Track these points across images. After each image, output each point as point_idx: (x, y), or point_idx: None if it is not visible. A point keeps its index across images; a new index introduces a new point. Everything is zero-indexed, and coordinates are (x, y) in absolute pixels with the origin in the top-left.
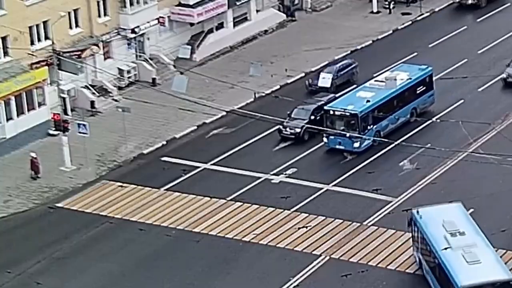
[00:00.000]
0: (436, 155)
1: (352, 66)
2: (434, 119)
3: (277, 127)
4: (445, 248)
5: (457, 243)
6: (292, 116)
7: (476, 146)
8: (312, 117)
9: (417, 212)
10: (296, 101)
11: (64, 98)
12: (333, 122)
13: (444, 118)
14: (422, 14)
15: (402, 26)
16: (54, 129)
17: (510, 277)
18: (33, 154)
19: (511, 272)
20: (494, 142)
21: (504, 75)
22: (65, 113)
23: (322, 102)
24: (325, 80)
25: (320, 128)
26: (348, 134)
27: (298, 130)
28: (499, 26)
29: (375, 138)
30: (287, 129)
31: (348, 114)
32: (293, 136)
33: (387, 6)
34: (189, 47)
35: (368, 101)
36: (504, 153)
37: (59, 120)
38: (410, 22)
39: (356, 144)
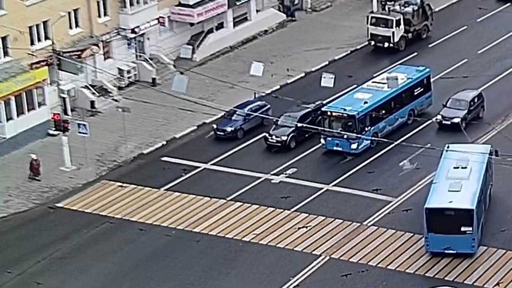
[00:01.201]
0: (436, 155)
1: (264, 109)
2: (434, 119)
3: (262, 134)
4: (435, 183)
5: (454, 174)
6: (279, 123)
7: None
8: (299, 125)
9: (448, 146)
10: (296, 101)
11: (64, 98)
12: (330, 123)
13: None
14: None
15: None
16: (54, 129)
17: (471, 207)
18: (34, 156)
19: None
20: (494, 142)
21: (438, 117)
22: (65, 113)
23: (309, 109)
24: (230, 126)
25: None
26: (345, 136)
27: (284, 138)
28: (499, 26)
29: (373, 139)
30: (273, 137)
31: (345, 115)
32: (279, 144)
33: (383, 7)
34: (190, 47)
35: (365, 102)
36: (504, 153)
37: (59, 120)
38: None
39: (354, 146)
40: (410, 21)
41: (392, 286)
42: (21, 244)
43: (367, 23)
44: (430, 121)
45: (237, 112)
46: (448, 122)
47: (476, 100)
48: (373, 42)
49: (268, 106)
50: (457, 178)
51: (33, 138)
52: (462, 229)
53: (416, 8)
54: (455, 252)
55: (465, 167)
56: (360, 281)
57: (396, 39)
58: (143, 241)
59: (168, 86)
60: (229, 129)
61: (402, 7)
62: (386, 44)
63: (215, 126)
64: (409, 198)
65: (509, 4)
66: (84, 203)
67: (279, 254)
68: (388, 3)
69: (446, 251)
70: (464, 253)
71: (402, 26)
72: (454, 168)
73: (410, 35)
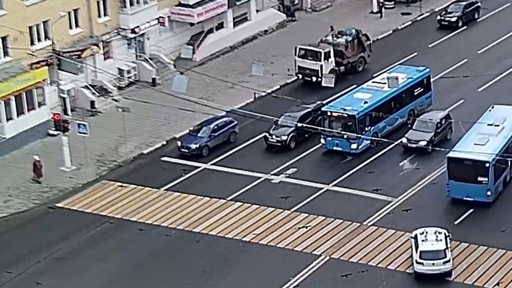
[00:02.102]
0: (436, 155)
1: (231, 125)
2: (399, 141)
3: (263, 134)
4: (467, 135)
5: (485, 130)
6: (279, 123)
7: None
8: (299, 124)
9: (493, 106)
10: (296, 101)
11: (64, 98)
12: (330, 123)
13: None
14: (422, 14)
15: (402, 26)
16: (54, 129)
17: (487, 159)
18: (37, 157)
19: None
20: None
21: (404, 140)
22: (65, 113)
23: (309, 109)
24: (194, 143)
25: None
26: (345, 136)
27: (284, 138)
28: (499, 26)
29: (373, 139)
30: (273, 136)
31: (345, 115)
32: (279, 144)
33: (379, 10)
34: (191, 47)
35: (365, 102)
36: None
37: (59, 120)
38: (410, 22)
39: (354, 146)
40: (343, 53)
41: (392, 286)
42: (21, 244)
43: (295, 54)
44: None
45: (207, 128)
46: (414, 145)
47: (443, 121)
48: (300, 76)
49: (235, 122)
50: (486, 134)
51: (33, 138)
52: (479, 179)
53: (350, 39)
54: (472, 200)
55: (498, 125)
56: (360, 281)
57: (324, 73)
58: (143, 241)
59: (168, 86)
60: (193, 146)
61: (335, 38)
62: (314, 79)
63: (179, 143)
64: (409, 198)
65: (509, 4)
66: (84, 203)
67: (279, 254)
68: (386, 3)
69: (464, 198)
70: (481, 202)
71: (332, 59)
72: (488, 125)
73: (342, 68)
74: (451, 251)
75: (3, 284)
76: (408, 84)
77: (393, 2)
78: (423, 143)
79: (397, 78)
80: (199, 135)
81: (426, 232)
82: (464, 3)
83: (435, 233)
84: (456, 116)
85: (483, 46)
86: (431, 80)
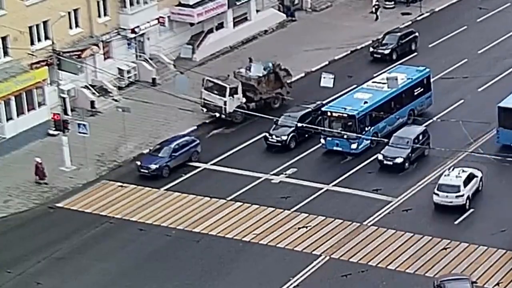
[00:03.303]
0: (436, 155)
1: (192, 144)
2: (435, 118)
3: (263, 134)
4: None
5: None
6: (279, 123)
7: (476, 146)
8: (299, 124)
9: None
10: (296, 101)
11: (64, 98)
12: (330, 123)
13: (444, 118)
14: (422, 14)
15: (402, 26)
16: (54, 129)
17: None
18: (38, 159)
19: None
20: (494, 142)
21: (379, 157)
22: (65, 113)
23: (309, 109)
24: (154, 163)
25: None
26: (345, 136)
27: (284, 138)
28: (499, 26)
29: (373, 139)
30: (273, 136)
31: (345, 115)
32: (279, 144)
33: (374, 12)
34: (190, 47)
35: (365, 102)
36: (504, 153)
37: (59, 120)
38: (410, 22)
39: (354, 146)
40: (255, 88)
41: (392, 286)
42: (21, 244)
43: (202, 85)
44: (431, 120)
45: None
46: (390, 163)
47: (421, 137)
48: (205, 110)
49: (197, 141)
50: None
51: (33, 138)
52: None
53: (265, 73)
54: None
55: None
56: (360, 281)
57: (229, 110)
58: (143, 241)
59: (168, 86)
60: (153, 166)
61: (248, 72)
62: (218, 115)
63: (138, 163)
64: (409, 198)
65: (509, 4)
66: (84, 203)
67: (279, 254)
68: (386, 3)
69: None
70: None
71: (239, 96)
72: None
73: (253, 104)
74: (471, 195)
75: (3, 284)
76: (408, 84)
77: (393, 2)
78: (399, 160)
79: (396, 79)
80: (159, 155)
81: (453, 170)
82: (399, 33)
83: (459, 172)
84: (456, 116)
85: (483, 46)
86: (431, 80)
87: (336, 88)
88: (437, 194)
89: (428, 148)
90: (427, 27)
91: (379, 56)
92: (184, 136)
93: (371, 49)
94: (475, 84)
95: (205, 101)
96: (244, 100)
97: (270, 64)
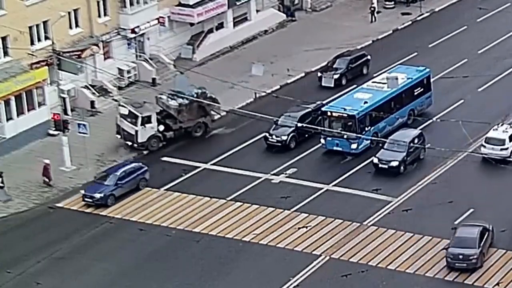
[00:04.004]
0: (436, 155)
1: (140, 171)
2: (434, 118)
3: (263, 134)
4: None
5: None
6: (279, 123)
7: (476, 146)
8: (299, 124)
9: None
10: (296, 101)
11: (64, 98)
12: (330, 123)
13: (444, 118)
14: (422, 14)
15: (402, 26)
16: (54, 129)
17: None
18: (47, 161)
19: None
20: None
21: (375, 160)
22: (65, 113)
23: (309, 109)
24: (99, 192)
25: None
26: (345, 136)
27: (284, 137)
28: (499, 26)
29: (373, 139)
30: (273, 136)
31: (345, 115)
32: (279, 144)
33: (370, 14)
34: (191, 47)
35: (365, 102)
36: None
37: (59, 120)
38: (410, 22)
39: (354, 146)
40: (174, 117)
41: (392, 286)
42: (21, 244)
43: (118, 111)
44: (431, 120)
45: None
46: (386, 166)
47: (416, 141)
48: (119, 136)
49: (145, 168)
50: None
51: (33, 138)
52: None
53: (186, 102)
54: None
55: None
56: (360, 281)
57: (141, 140)
58: (143, 241)
59: (168, 86)
60: (97, 195)
61: (168, 99)
62: (130, 143)
63: (82, 191)
64: (409, 198)
65: (509, 4)
66: (84, 203)
67: (279, 254)
68: (387, 3)
69: None
70: None
71: (153, 125)
72: None
73: (171, 133)
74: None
75: (3, 284)
76: (408, 84)
77: (393, 2)
78: (394, 164)
79: (396, 78)
80: (105, 183)
81: (502, 125)
82: (349, 57)
83: (506, 127)
84: (456, 116)
85: (483, 46)
86: (431, 80)
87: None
88: (484, 147)
89: (424, 148)
90: (427, 27)
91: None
92: (131, 162)
93: (319, 74)
94: (475, 84)
95: (119, 128)
96: (161, 128)
97: (194, 92)
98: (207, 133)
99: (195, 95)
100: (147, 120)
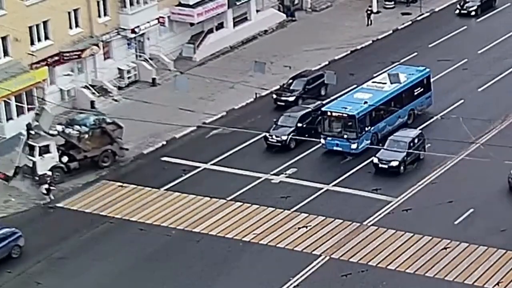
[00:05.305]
0: (436, 155)
1: (11, 238)
2: (436, 116)
3: (263, 134)
4: None
5: None
6: (279, 123)
7: (475, 146)
8: (299, 124)
9: None
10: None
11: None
12: (330, 123)
13: (444, 117)
14: (422, 14)
15: (402, 26)
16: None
17: None
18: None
19: None
20: (494, 143)
21: (375, 160)
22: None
23: (309, 109)
24: None
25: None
26: (345, 136)
27: (284, 138)
28: (499, 26)
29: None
30: (273, 136)
31: (345, 115)
32: (279, 144)
33: (367, 17)
34: (192, 45)
35: (365, 102)
36: (504, 152)
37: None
38: (410, 22)
39: (354, 146)
40: (77, 146)
41: (392, 286)
42: None
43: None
44: (433, 119)
45: None
46: (386, 166)
47: (416, 140)
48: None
49: (18, 234)
50: None
51: None
52: None
53: (86, 129)
54: None
55: None
56: (360, 281)
57: (42, 171)
58: (143, 241)
59: (168, 86)
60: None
61: (68, 127)
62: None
63: None
64: (409, 198)
65: (509, 4)
66: (84, 203)
67: (279, 254)
68: (387, 3)
69: None
70: None
71: (53, 155)
72: None
73: (75, 164)
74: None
75: (3, 284)
76: (408, 84)
77: (393, 2)
78: (394, 164)
79: (398, 75)
80: None
81: None
82: (306, 78)
83: None
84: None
85: (483, 46)
86: (431, 80)
87: (337, 88)
88: None
89: (423, 149)
90: (427, 27)
91: (282, 104)
92: (4, 227)
93: (275, 96)
94: (475, 84)
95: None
96: (65, 159)
97: (92, 120)
98: (117, 162)
99: (92, 123)
100: (45, 150)
